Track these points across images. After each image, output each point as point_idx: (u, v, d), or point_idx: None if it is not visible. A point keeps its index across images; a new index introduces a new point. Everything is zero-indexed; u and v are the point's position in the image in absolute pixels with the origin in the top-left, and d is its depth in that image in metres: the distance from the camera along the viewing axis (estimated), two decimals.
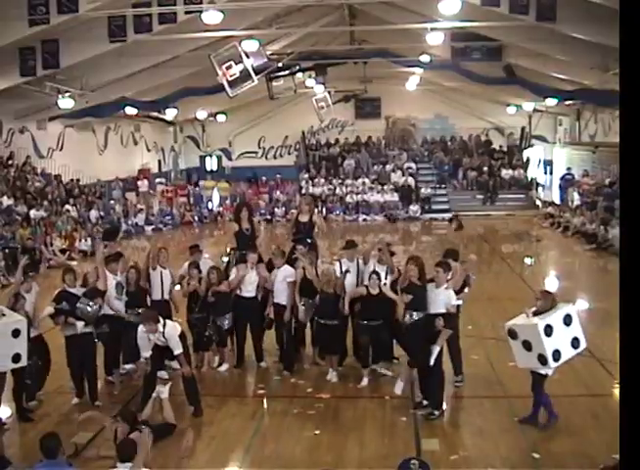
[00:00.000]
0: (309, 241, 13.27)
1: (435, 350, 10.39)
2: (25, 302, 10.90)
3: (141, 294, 12.38)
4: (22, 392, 10.87)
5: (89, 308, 11.03)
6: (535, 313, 9.92)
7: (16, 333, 9.77)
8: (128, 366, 12.45)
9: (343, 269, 12.44)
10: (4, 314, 10.05)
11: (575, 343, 9.88)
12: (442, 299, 10.52)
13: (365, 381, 11.91)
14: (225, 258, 14.40)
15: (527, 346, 9.78)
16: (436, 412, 10.58)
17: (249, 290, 12.66)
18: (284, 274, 12.59)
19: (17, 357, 9.85)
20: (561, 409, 10.25)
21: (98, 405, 11.07)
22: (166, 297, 12.63)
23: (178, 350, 10.56)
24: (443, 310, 10.49)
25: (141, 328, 10.61)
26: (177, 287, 13.09)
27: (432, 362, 10.43)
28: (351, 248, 12.78)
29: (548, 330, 9.58)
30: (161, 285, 12.53)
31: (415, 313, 10.64)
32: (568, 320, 9.83)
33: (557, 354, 9.65)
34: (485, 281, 19.25)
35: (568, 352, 9.81)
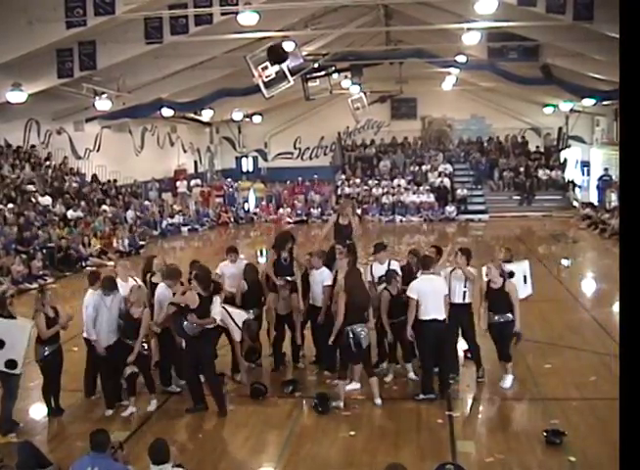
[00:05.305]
0: (348, 243, 13.10)
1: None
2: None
3: None
4: (51, 391, 10.94)
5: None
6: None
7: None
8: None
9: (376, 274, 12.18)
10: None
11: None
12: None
13: (390, 377, 12.02)
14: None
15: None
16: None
17: None
18: (322, 277, 12.35)
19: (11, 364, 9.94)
20: (598, 412, 10.20)
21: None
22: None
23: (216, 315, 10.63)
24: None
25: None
26: None
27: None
28: (381, 251, 12.50)
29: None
30: None
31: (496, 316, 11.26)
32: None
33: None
34: None
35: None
